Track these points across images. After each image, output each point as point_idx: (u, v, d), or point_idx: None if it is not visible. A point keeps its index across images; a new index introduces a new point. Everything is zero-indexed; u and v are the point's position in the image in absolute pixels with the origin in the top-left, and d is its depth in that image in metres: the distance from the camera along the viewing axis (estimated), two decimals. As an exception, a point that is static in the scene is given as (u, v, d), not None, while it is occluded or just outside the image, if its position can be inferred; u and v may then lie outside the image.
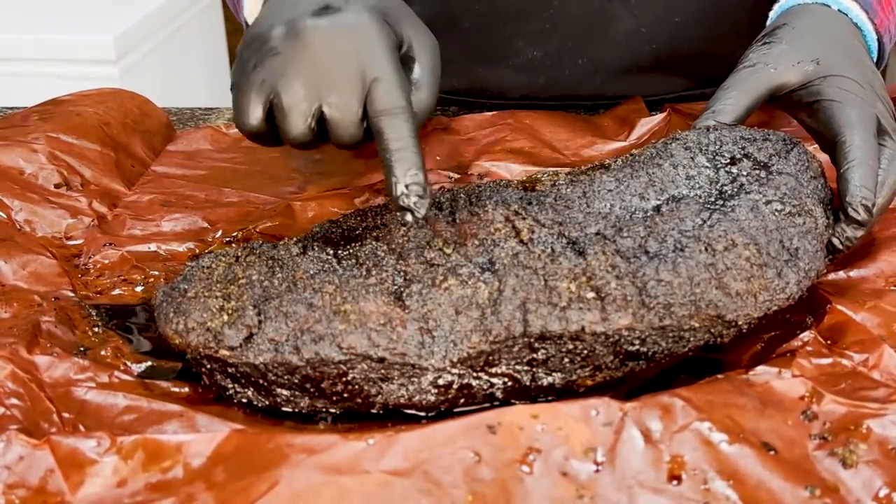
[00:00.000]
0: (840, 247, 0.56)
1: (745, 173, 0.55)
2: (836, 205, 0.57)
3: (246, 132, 0.55)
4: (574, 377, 0.50)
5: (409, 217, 0.51)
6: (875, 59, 0.66)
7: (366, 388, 0.49)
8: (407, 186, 0.51)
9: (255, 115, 0.54)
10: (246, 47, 0.55)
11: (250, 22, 0.65)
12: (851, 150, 0.56)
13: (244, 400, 0.51)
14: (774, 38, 0.63)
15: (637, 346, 0.49)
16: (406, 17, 0.57)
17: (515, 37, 0.87)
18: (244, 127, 0.54)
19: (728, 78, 0.63)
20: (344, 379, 0.49)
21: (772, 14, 0.69)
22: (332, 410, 0.51)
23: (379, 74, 0.52)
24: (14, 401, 0.49)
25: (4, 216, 0.68)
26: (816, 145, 0.63)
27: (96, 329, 0.58)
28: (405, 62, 0.56)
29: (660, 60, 0.88)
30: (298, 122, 0.53)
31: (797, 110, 0.62)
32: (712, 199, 0.53)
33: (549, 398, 0.51)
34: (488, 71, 0.89)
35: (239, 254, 0.54)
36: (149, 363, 0.55)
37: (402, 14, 0.57)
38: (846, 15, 0.65)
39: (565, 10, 0.85)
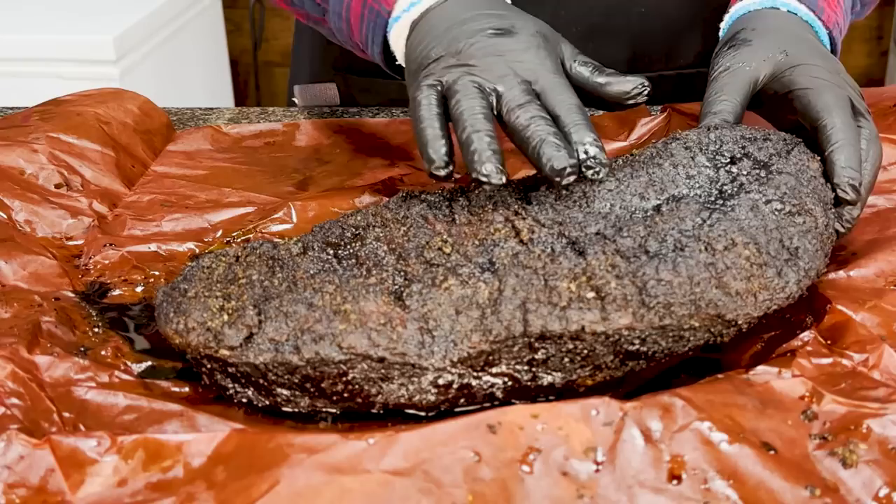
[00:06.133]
0: (842, 229, 0.57)
1: (745, 173, 0.55)
2: None
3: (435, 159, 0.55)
4: (574, 377, 0.50)
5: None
6: (830, 52, 0.68)
7: (366, 387, 0.49)
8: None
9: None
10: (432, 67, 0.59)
11: (397, 48, 0.67)
12: (834, 133, 0.57)
13: (244, 400, 0.51)
14: (737, 41, 0.66)
15: (637, 346, 0.49)
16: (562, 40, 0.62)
17: None
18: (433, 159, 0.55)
19: (710, 86, 0.64)
20: (344, 379, 0.49)
21: (723, 25, 0.71)
22: (332, 410, 0.51)
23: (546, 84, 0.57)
24: (14, 400, 0.49)
25: (5, 216, 0.68)
26: None
27: (96, 329, 0.58)
28: None
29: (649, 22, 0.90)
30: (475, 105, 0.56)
31: (770, 105, 0.64)
32: (712, 199, 0.53)
33: (550, 398, 0.51)
34: None
35: (239, 254, 0.54)
36: (149, 363, 0.55)
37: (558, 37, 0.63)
38: (795, 14, 0.68)
39: (570, 10, 0.86)
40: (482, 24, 0.60)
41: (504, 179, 0.52)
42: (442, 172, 0.54)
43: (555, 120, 0.55)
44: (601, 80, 0.60)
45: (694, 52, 0.91)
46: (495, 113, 0.56)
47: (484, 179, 0.52)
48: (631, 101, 0.59)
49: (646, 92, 0.59)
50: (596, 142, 0.53)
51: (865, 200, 0.58)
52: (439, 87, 0.57)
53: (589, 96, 0.60)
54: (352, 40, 0.73)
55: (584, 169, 0.53)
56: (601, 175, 0.53)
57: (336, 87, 0.97)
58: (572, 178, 0.52)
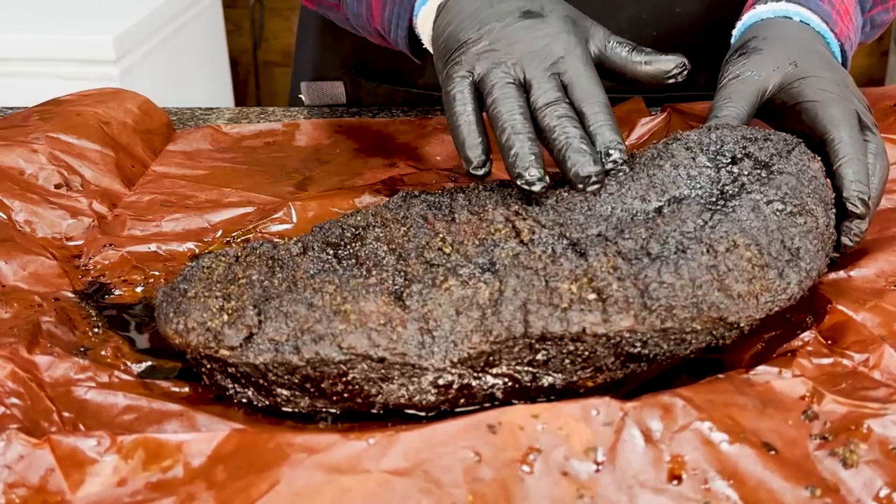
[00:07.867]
0: (850, 243, 0.57)
1: (746, 173, 0.55)
2: None
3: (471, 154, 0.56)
4: (575, 378, 0.50)
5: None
6: (840, 64, 0.68)
7: (366, 387, 0.49)
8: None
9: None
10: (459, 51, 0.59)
11: (423, 32, 0.67)
12: (842, 147, 0.58)
13: (244, 400, 0.51)
14: (748, 49, 0.65)
15: (638, 349, 0.49)
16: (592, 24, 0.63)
17: None
18: (471, 156, 0.56)
19: (718, 93, 0.64)
20: (344, 379, 0.49)
21: (735, 32, 0.71)
22: (332, 410, 0.51)
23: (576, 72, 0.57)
24: (14, 400, 0.49)
25: (4, 217, 0.68)
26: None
27: (96, 329, 0.58)
28: None
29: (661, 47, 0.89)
30: (506, 86, 0.57)
31: (778, 115, 0.64)
32: (713, 200, 0.53)
33: (551, 398, 0.50)
34: None
35: (239, 254, 0.54)
36: (149, 363, 0.55)
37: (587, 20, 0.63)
38: (808, 25, 0.67)
39: None
40: (511, 5, 0.60)
41: (545, 187, 0.53)
42: (480, 172, 0.55)
43: (580, 116, 0.55)
44: (640, 58, 0.60)
45: (702, 78, 0.90)
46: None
47: (526, 187, 0.53)
48: (671, 81, 0.59)
49: (686, 71, 0.59)
50: (619, 144, 0.54)
51: (873, 214, 0.58)
52: (472, 78, 0.58)
53: (622, 77, 0.60)
54: (371, 25, 0.73)
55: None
56: (620, 176, 0.54)
57: (343, 86, 0.97)
58: (596, 187, 0.53)
